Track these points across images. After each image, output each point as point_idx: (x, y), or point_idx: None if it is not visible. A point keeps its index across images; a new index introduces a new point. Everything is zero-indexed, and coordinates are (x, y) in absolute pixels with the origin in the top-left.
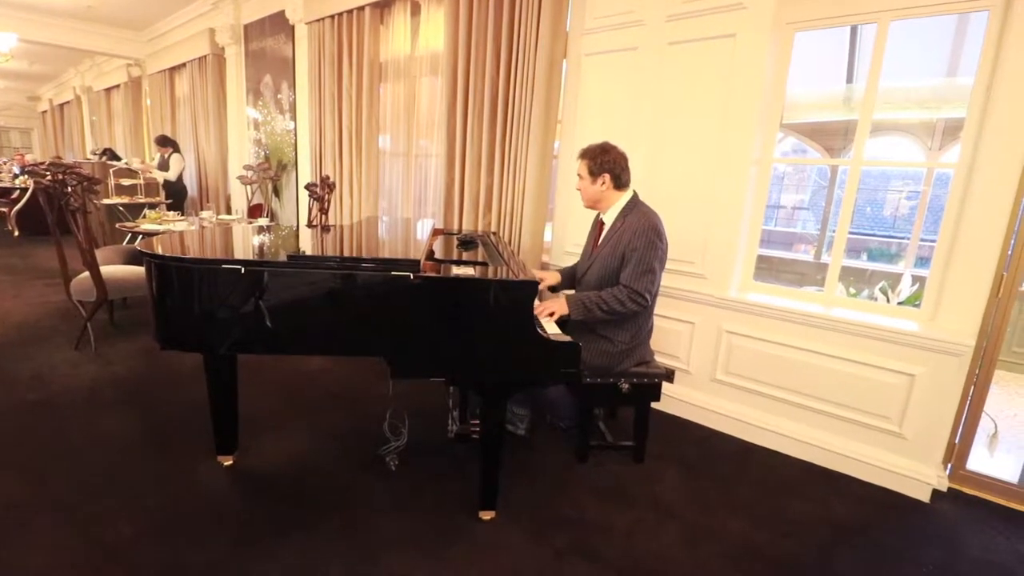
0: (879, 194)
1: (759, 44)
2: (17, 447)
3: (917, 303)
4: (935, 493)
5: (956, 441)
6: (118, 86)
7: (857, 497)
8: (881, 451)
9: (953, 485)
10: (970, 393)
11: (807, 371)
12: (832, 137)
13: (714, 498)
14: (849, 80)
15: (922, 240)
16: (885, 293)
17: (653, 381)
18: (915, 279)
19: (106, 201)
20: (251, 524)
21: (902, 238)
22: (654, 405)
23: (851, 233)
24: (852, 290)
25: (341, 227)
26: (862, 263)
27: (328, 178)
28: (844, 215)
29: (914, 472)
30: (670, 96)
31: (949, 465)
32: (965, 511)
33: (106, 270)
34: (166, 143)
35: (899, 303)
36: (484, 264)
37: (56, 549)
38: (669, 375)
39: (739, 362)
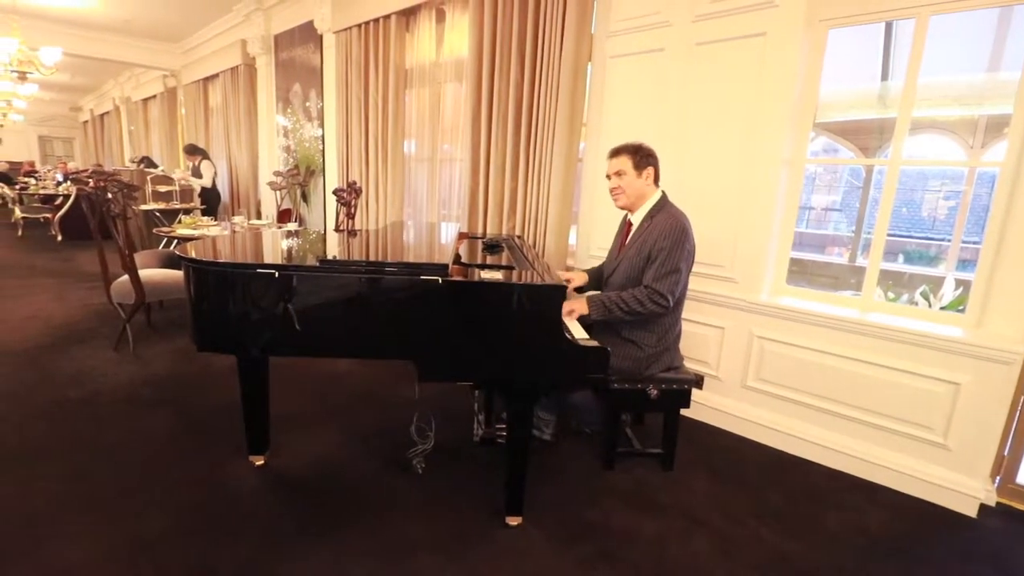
0: (916, 194)
1: (791, 43)
2: (59, 443)
3: (961, 308)
4: (982, 508)
5: (1005, 453)
6: (155, 96)
7: (898, 509)
8: (923, 462)
9: (1002, 500)
10: (1020, 403)
11: (843, 378)
12: (866, 136)
13: (746, 507)
14: (884, 77)
15: (963, 242)
16: (927, 297)
17: (683, 387)
18: (958, 283)
19: (144, 207)
20: (281, 523)
21: (941, 240)
22: (682, 412)
23: (888, 235)
24: (891, 294)
25: (367, 232)
26: (899, 266)
27: (355, 183)
28: (882, 216)
29: (959, 485)
30: (698, 97)
31: (998, 478)
32: (1015, 527)
33: (144, 274)
34: (195, 152)
35: (942, 308)
36: (511, 268)
37: (94, 543)
38: (698, 381)
39: (771, 368)
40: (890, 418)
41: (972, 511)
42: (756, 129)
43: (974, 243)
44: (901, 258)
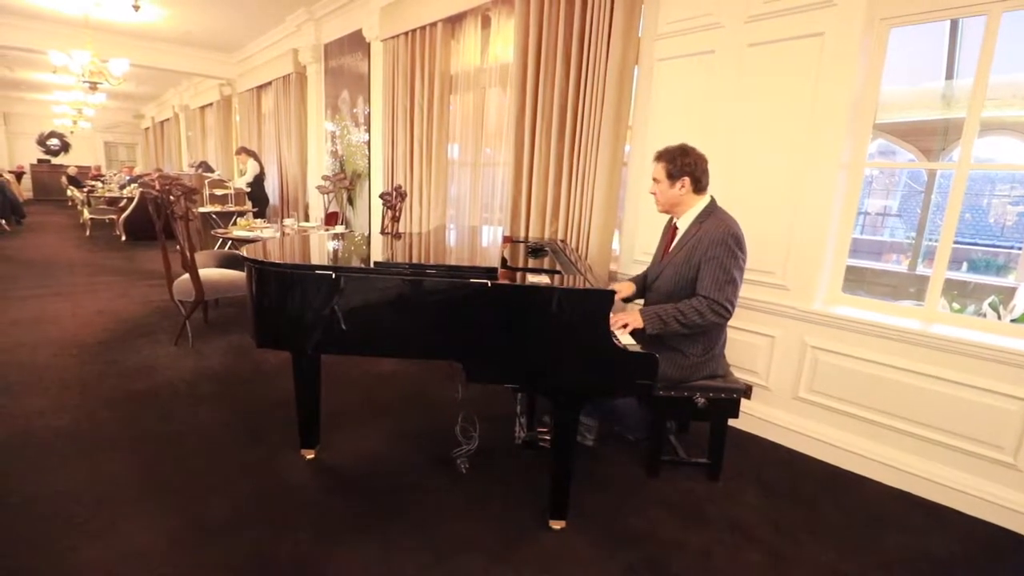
0: (981, 199)
1: (850, 43)
2: (127, 431)
3: None
4: None
5: None
6: (211, 104)
7: (963, 532)
8: (991, 483)
9: None
10: None
11: (904, 392)
12: (929, 138)
13: (798, 523)
14: (949, 76)
15: None
16: (996, 309)
17: (731, 397)
18: None
19: (202, 209)
20: (332, 516)
21: (1010, 248)
22: (730, 422)
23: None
24: (955, 305)
25: (414, 235)
26: (964, 275)
27: (400, 187)
28: (948, 223)
29: None
30: (750, 99)
31: None
32: None
33: (203, 273)
34: (242, 152)
35: (1012, 320)
36: (558, 272)
37: (160, 528)
38: (746, 391)
39: (825, 380)
40: (955, 435)
41: None
42: (812, 132)
43: None
44: (965, 266)
